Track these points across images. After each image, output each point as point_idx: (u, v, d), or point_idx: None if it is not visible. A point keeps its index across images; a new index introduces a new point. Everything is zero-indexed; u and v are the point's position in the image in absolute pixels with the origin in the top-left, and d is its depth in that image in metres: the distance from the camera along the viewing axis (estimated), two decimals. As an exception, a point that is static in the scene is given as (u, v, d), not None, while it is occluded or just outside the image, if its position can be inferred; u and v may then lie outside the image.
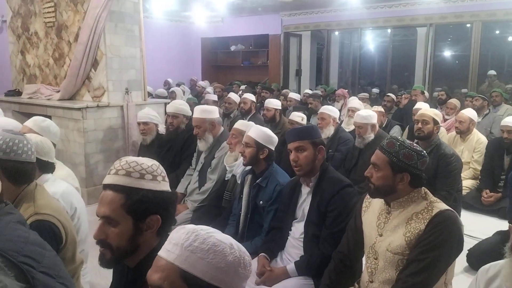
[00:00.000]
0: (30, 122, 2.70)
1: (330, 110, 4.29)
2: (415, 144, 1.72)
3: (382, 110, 5.06)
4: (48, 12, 4.81)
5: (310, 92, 7.36)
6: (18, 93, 5.28)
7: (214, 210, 3.24)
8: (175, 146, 4.01)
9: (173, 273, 0.92)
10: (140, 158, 1.34)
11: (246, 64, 10.62)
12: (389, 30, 9.04)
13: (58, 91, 4.74)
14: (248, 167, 2.73)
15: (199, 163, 3.60)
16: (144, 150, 4.28)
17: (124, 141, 4.61)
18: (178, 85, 8.93)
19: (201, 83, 9.20)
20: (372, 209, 1.85)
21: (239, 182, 2.99)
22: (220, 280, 0.92)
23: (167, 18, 9.92)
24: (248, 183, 2.65)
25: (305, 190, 2.30)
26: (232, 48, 10.81)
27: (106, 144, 4.46)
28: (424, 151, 1.72)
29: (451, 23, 7.83)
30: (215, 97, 6.69)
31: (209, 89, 8.17)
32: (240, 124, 3.14)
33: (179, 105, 4.07)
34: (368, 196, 1.89)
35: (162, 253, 0.96)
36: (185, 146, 3.98)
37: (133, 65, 4.63)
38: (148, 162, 1.31)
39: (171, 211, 1.34)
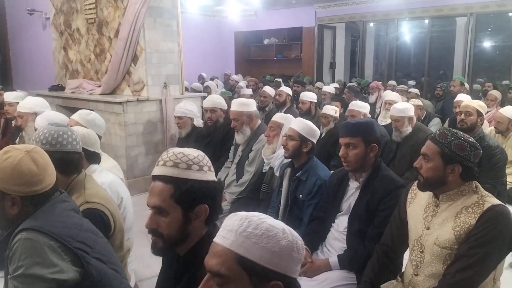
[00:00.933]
0: (76, 116, 2.81)
1: (360, 106, 4.23)
2: (468, 136, 1.68)
3: (420, 103, 4.94)
4: (89, 9, 4.95)
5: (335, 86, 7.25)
6: (61, 88, 5.47)
7: (252, 202, 3.27)
8: (215, 139, 4.07)
9: (230, 258, 0.95)
10: (186, 149, 1.37)
11: (279, 57, 10.59)
12: (426, 21, 8.79)
13: (100, 86, 4.88)
14: (287, 160, 2.74)
15: (236, 155, 3.64)
16: (181, 143, 4.37)
17: (162, 134, 4.71)
18: (211, 79, 9.01)
19: (235, 77, 9.26)
20: (418, 201, 1.82)
21: (277, 174, 3.00)
22: (275, 264, 0.95)
23: (201, 13, 10.01)
24: (288, 176, 2.65)
25: (354, 185, 2.27)
26: (265, 41, 10.80)
27: (146, 137, 4.57)
28: (478, 144, 1.67)
29: (493, 12, 7.54)
30: (250, 91, 6.71)
31: (242, 83, 8.20)
32: (278, 117, 3.15)
33: (216, 99, 4.15)
34: (413, 187, 1.86)
35: (217, 239, 1.00)
36: (225, 139, 4.04)
37: (171, 59, 4.71)
38: (194, 153, 1.34)
39: (217, 201, 1.37)
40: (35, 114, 3.42)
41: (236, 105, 3.54)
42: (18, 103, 4.53)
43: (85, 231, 1.54)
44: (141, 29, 4.40)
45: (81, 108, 3.21)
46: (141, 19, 4.34)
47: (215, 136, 4.10)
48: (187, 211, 1.30)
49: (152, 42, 4.52)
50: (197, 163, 1.32)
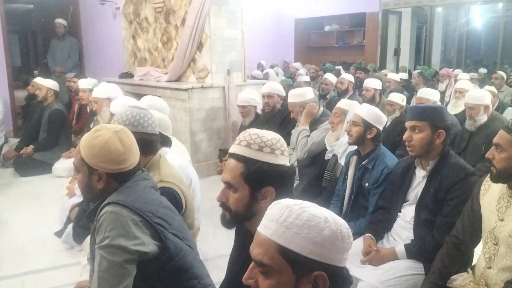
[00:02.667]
0: (140, 101, 2.96)
1: (429, 93, 4.06)
2: None
3: (495, 90, 4.66)
4: (157, -2, 5.12)
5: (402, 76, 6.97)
6: (130, 75, 5.73)
7: (314, 190, 3.27)
8: (273, 125, 4.10)
9: (271, 248, 0.94)
10: (263, 131, 1.39)
11: (341, 44, 10.38)
12: (500, 5, 8.22)
13: (166, 73, 5.06)
14: (352, 148, 2.70)
15: (297, 143, 3.64)
16: (243, 129, 4.44)
17: (225, 121, 4.81)
18: (272, 67, 9.02)
19: (295, 64, 9.20)
20: (491, 192, 1.75)
21: (341, 162, 2.98)
22: (317, 254, 0.92)
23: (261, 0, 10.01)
24: (354, 164, 2.62)
25: (420, 173, 2.20)
26: (326, 28, 10.62)
27: (209, 123, 4.70)
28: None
29: None
30: (307, 78, 6.65)
31: (302, 70, 8.14)
32: (343, 103, 3.11)
33: (273, 85, 4.24)
34: (486, 179, 1.78)
35: (260, 228, 0.99)
36: (282, 125, 4.06)
37: (234, 46, 4.78)
38: (269, 136, 1.36)
39: (287, 185, 1.38)
40: (109, 99, 3.63)
41: (290, 96, 3.59)
42: (90, 89, 4.84)
43: (164, 207, 1.63)
44: (207, 16, 4.50)
45: (149, 95, 3.37)
46: (207, 7, 4.43)
47: (273, 122, 4.13)
48: (254, 190, 1.34)
49: (217, 30, 4.61)
50: (269, 145, 1.34)
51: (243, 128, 4.40)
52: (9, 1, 7.07)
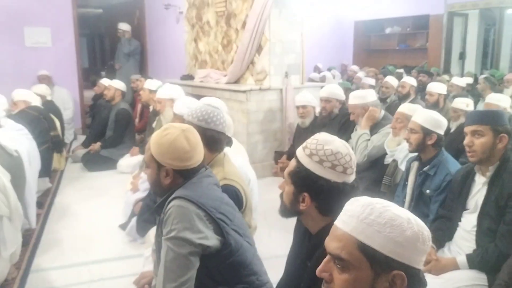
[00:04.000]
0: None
1: (499, 99, 3.85)
2: None
3: None
4: (219, 2, 5.26)
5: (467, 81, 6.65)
6: (190, 77, 5.92)
7: (372, 195, 3.19)
8: (330, 130, 4.05)
9: (350, 244, 0.95)
10: (334, 140, 1.40)
11: (402, 47, 10.07)
12: None
13: (225, 75, 5.18)
14: (414, 153, 2.64)
15: (357, 147, 3.59)
16: (300, 132, 4.46)
17: (281, 123, 4.84)
18: (329, 69, 8.94)
19: (353, 67, 9.07)
20: None
21: (401, 167, 2.91)
22: (398, 254, 0.92)
23: (320, 1, 9.94)
24: (415, 170, 2.55)
25: (480, 180, 2.13)
26: (387, 30, 10.34)
27: (265, 125, 4.75)
28: None
29: None
30: (372, 81, 6.53)
31: (361, 73, 8.00)
32: (406, 108, 3.03)
33: (332, 89, 4.13)
34: None
35: (338, 223, 1.00)
36: (341, 130, 4.01)
37: (293, 49, 4.81)
38: (336, 148, 1.36)
39: (331, 199, 1.35)
40: (172, 100, 3.78)
41: (351, 97, 3.57)
42: (151, 90, 5.07)
43: (225, 204, 1.69)
44: (267, 20, 4.56)
45: (208, 96, 3.48)
46: (268, 10, 4.49)
47: (331, 127, 4.09)
48: (296, 191, 1.40)
49: (277, 33, 4.66)
50: (331, 160, 1.35)
51: (300, 129, 4.41)
52: (80, 5, 7.53)
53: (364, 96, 3.50)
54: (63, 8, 6.84)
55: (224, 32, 5.30)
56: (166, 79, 5.70)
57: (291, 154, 4.58)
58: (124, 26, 7.47)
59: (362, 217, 0.94)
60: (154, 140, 1.66)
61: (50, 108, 4.98)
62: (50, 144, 4.26)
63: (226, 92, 4.89)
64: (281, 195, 1.49)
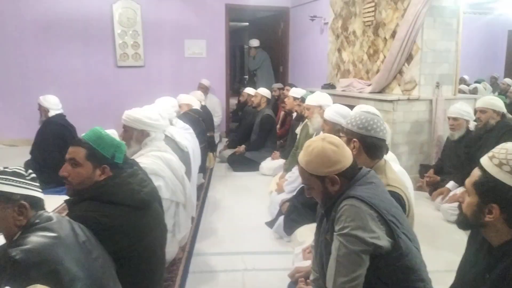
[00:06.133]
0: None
1: None
2: None
3: None
4: (367, 12, 5.27)
5: None
6: (332, 86, 6.01)
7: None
8: (487, 142, 3.79)
9: None
10: None
11: None
12: None
13: (369, 85, 5.15)
14: None
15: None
16: (450, 145, 4.24)
17: (429, 135, 4.64)
18: (478, 82, 8.26)
19: (506, 80, 8.23)
20: None
21: None
22: None
23: (471, 10, 9.24)
24: None
25: None
26: (551, 39, 9.17)
27: (412, 137, 4.60)
28: None
29: None
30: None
31: (516, 86, 7.23)
32: None
33: (489, 99, 3.97)
34: None
35: None
36: (500, 142, 3.71)
37: (446, 59, 4.59)
38: None
39: None
40: (320, 107, 3.90)
41: None
42: (295, 97, 5.28)
43: (395, 207, 1.72)
44: (420, 28, 4.43)
45: (351, 105, 3.52)
46: (421, 19, 4.37)
47: (488, 140, 3.81)
48: (481, 202, 1.40)
49: (429, 42, 4.50)
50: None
51: (449, 143, 4.20)
52: (231, 20, 8.19)
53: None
54: (218, 22, 7.53)
55: (371, 42, 5.28)
56: (306, 88, 5.87)
57: (438, 168, 4.37)
58: (253, 43, 8.00)
59: None
60: (304, 160, 1.73)
61: (204, 112, 5.52)
62: (206, 144, 4.73)
63: (370, 101, 4.85)
64: (460, 206, 1.48)
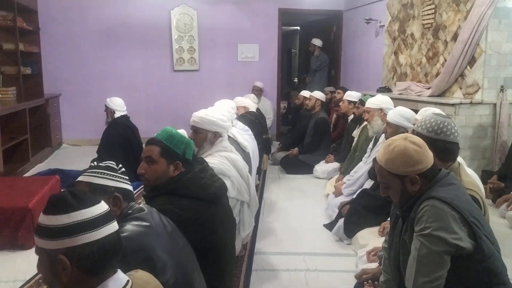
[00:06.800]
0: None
1: None
2: None
3: None
4: (427, 14, 5.17)
5: None
6: (387, 89, 5.93)
7: None
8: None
9: None
10: None
11: None
12: None
13: (429, 88, 5.04)
14: None
15: None
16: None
17: (492, 140, 4.49)
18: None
19: None
20: None
21: None
22: None
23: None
24: None
25: None
26: None
27: (474, 141, 4.47)
28: None
29: None
30: None
31: None
32: None
33: None
34: None
35: None
36: None
37: (512, 62, 4.43)
38: None
39: None
40: (381, 110, 3.88)
41: None
42: (350, 101, 5.26)
43: (476, 209, 1.70)
44: (484, 31, 4.30)
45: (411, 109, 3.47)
46: (485, 21, 4.24)
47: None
48: None
49: (494, 44, 4.35)
50: None
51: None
52: (284, 25, 8.26)
53: None
54: (270, 26, 7.63)
55: (430, 44, 5.17)
56: (359, 91, 5.82)
57: (501, 175, 4.21)
58: (316, 42, 7.93)
59: None
60: (384, 158, 1.72)
61: (259, 114, 5.61)
62: (262, 145, 4.80)
63: (430, 105, 4.73)
64: None
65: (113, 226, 1.16)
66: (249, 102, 5.09)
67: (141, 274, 1.28)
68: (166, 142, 2.00)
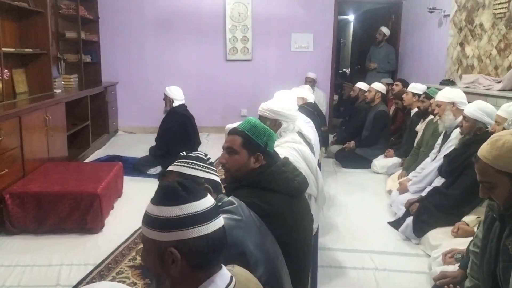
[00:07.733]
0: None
1: None
2: None
3: None
4: (500, 3, 4.84)
5: None
6: (451, 82, 5.63)
7: None
8: None
9: None
10: None
11: None
12: None
13: (499, 82, 4.74)
14: None
15: None
16: None
17: None
18: None
19: None
20: None
21: None
22: None
23: None
24: None
25: None
26: None
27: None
28: None
29: None
30: None
31: None
32: None
33: None
34: None
35: None
36: None
37: None
38: None
39: None
40: (453, 104, 3.67)
41: None
42: (414, 93, 5.05)
43: None
44: None
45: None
46: None
47: None
48: None
49: None
50: None
51: None
52: (339, 14, 8.04)
53: None
54: (325, 15, 7.43)
55: (502, 35, 4.85)
56: (418, 82, 5.56)
57: None
58: (385, 30, 7.58)
59: None
60: (492, 155, 1.57)
61: (317, 106, 5.49)
62: (321, 138, 4.69)
63: (501, 99, 4.45)
64: None
65: (221, 221, 1.12)
66: (308, 93, 4.98)
67: (240, 270, 1.23)
68: (248, 132, 1.94)
